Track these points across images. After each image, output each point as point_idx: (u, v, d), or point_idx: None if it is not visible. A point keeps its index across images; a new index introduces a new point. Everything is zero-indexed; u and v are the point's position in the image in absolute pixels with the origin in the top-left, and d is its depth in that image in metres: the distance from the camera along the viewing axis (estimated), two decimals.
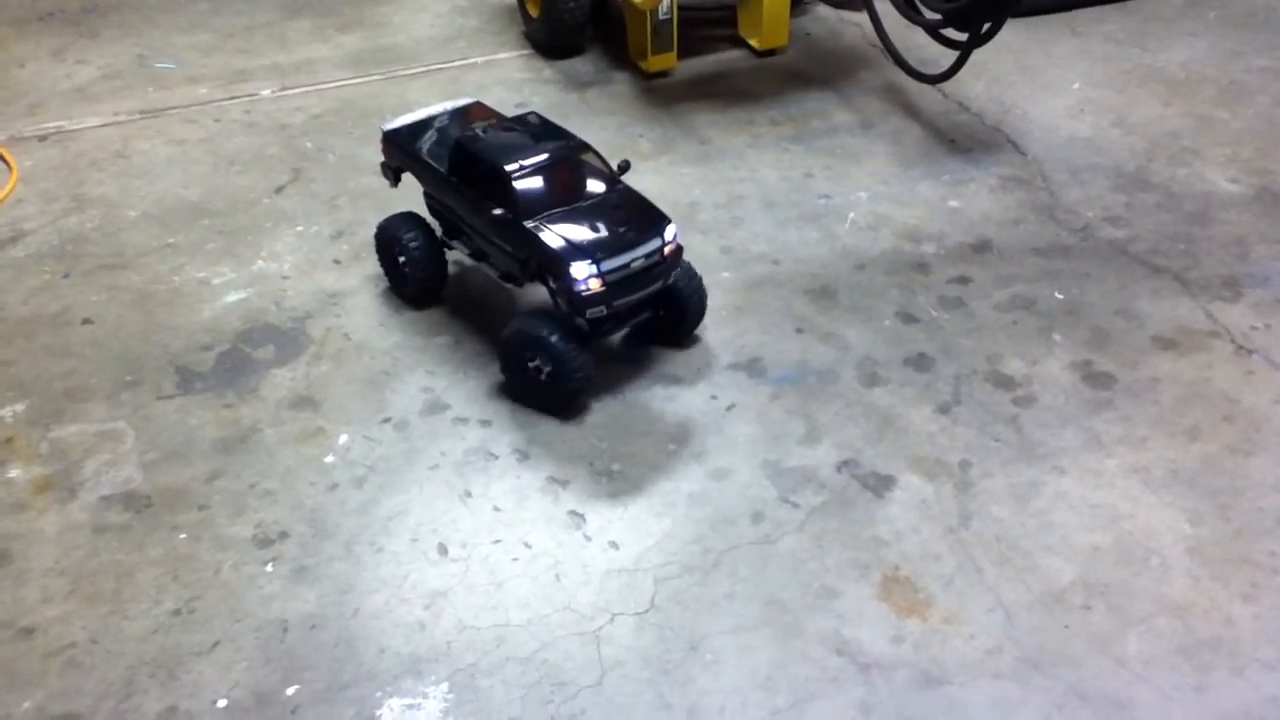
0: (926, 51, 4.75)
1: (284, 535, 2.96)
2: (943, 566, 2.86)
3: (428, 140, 3.65)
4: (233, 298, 3.82)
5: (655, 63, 5.06)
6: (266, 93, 5.08)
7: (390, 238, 3.68)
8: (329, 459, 3.19)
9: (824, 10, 5.70)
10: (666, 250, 3.25)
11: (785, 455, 3.20)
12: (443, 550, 2.91)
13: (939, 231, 4.08)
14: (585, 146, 3.45)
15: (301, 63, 5.34)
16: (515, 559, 2.89)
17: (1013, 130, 4.65)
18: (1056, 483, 3.08)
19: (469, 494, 3.08)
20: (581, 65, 5.27)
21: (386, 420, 3.32)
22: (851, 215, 4.19)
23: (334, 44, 5.53)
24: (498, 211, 3.23)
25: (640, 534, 2.96)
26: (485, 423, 3.31)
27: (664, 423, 3.30)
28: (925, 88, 4.84)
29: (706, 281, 3.61)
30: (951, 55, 4.46)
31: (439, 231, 3.67)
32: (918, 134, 4.68)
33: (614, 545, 2.93)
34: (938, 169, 4.43)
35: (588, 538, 2.95)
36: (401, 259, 3.67)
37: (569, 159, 3.37)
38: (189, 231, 4.16)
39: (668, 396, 3.39)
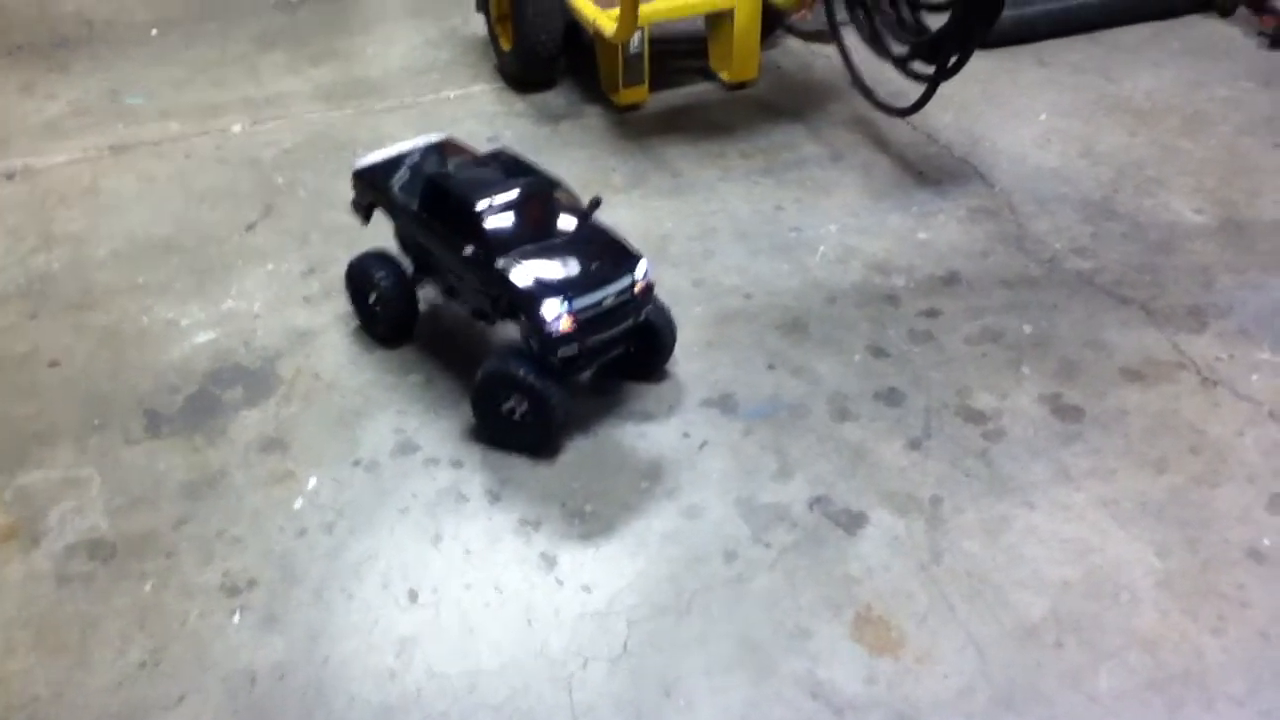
0: (896, 84, 4.79)
1: (252, 583, 2.93)
2: (915, 604, 2.86)
3: (399, 178, 3.64)
4: (202, 338, 3.79)
5: (627, 96, 5.09)
6: (238, 127, 5.07)
7: (361, 276, 3.67)
8: (298, 503, 3.17)
9: (794, 43, 5.75)
10: (638, 288, 3.25)
11: (758, 492, 3.20)
12: (413, 596, 2.89)
13: (908, 264, 4.10)
14: (555, 183, 3.46)
15: (274, 96, 5.34)
16: (487, 603, 2.87)
17: (980, 161, 4.69)
18: (1027, 516, 3.09)
19: (440, 537, 3.06)
20: (553, 98, 5.29)
21: (357, 462, 3.30)
22: (822, 248, 4.21)
23: (306, 77, 5.54)
24: (469, 250, 3.23)
25: (613, 575, 2.95)
26: (457, 463, 3.29)
27: (636, 460, 3.30)
28: (895, 119, 4.88)
29: (678, 315, 3.61)
30: (920, 87, 4.50)
31: (410, 269, 3.66)
32: (887, 166, 4.72)
33: (586, 588, 2.91)
34: (907, 201, 4.47)
35: (560, 580, 2.94)
36: (372, 297, 3.65)
37: (539, 196, 3.37)
38: (158, 270, 4.13)
39: (640, 434, 3.39)
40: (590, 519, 3.12)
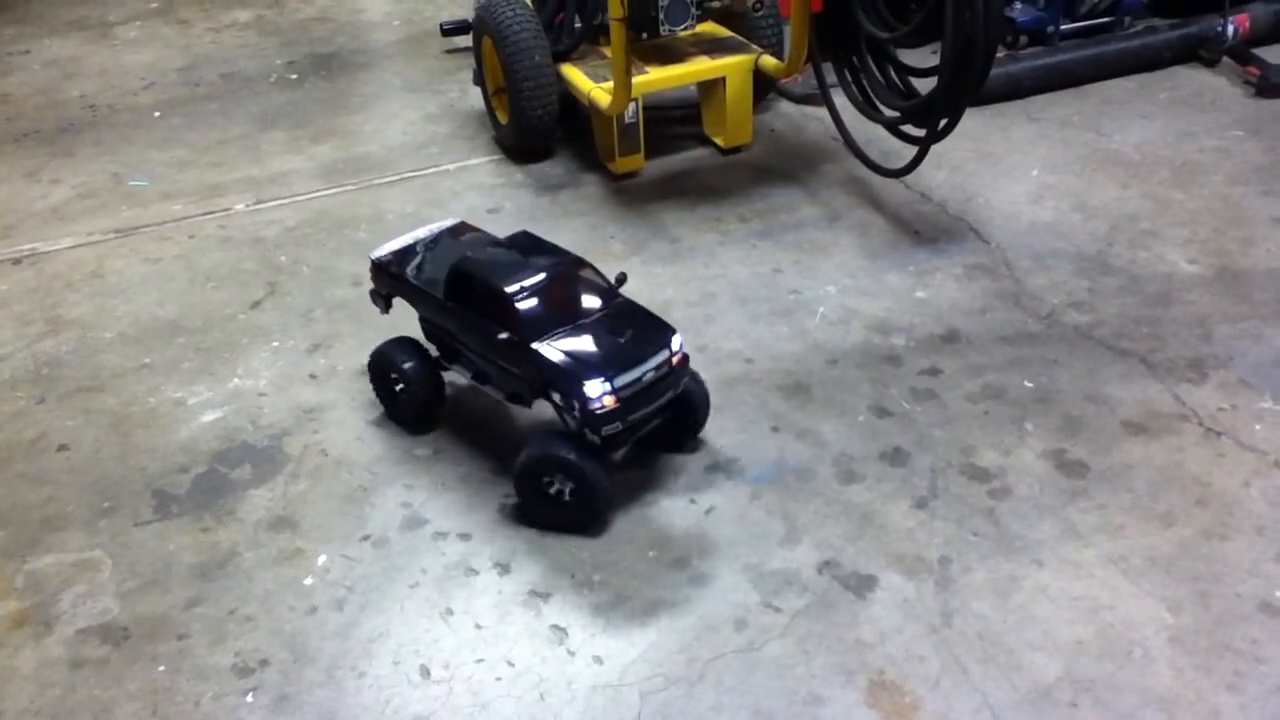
0: (888, 143, 4.87)
1: (264, 663, 2.93)
2: (928, 667, 2.86)
3: (419, 265, 3.65)
4: (209, 417, 3.82)
5: (623, 164, 5.16)
6: (241, 206, 5.15)
7: (386, 365, 3.66)
8: (308, 580, 3.18)
9: (787, 106, 5.84)
10: (674, 360, 3.27)
11: (766, 557, 3.20)
12: (425, 672, 2.89)
13: (908, 323, 4.14)
14: (582, 262, 3.48)
15: (275, 175, 5.42)
16: (499, 678, 2.87)
17: (975, 218, 4.75)
18: (1036, 575, 3.09)
19: (450, 611, 3.06)
20: (551, 168, 5.37)
21: (365, 538, 3.31)
22: (821, 309, 4.25)
23: (307, 155, 5.63)
24: (503, 335, 3.22)
25: (624, 646, 2.95)
26: (465, 536, 3.30)
27: (644, 529, 3.30)
28: (889, 180, 4.94)
29: None
30: (912, 147, 4.57)
31: (434, 354, 3.67)
32: (883, 225, 4.77)
33: (598, 660, 2.91)
34: (904, 260, 4.52)
35: (571, 652, 2.93)
36: (399, 386, 3.65)
37: (567, 275, 3.38)
38: (165, 350, 4.18)
39: (647, 502, 3.40)
40: (600, 589, 3.12)
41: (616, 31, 4.51)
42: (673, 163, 5.38)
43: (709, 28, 5.41)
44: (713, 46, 5.24)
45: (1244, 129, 5.33)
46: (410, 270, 3.62)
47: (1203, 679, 2.77)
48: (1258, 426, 3.53)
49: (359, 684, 2.87)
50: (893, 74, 4.72)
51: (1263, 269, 4.32)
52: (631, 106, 4.96)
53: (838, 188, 5.08)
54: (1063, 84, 5.82)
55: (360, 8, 7.77)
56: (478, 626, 3.01)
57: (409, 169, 5.42)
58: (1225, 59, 5.89)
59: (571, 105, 5.34)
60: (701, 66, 5.08)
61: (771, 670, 2.87)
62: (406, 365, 3.59)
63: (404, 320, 3.82)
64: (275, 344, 4.19)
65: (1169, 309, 4.12)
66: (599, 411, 3.09)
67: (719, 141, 5.41)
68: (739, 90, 5.19)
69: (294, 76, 6.58)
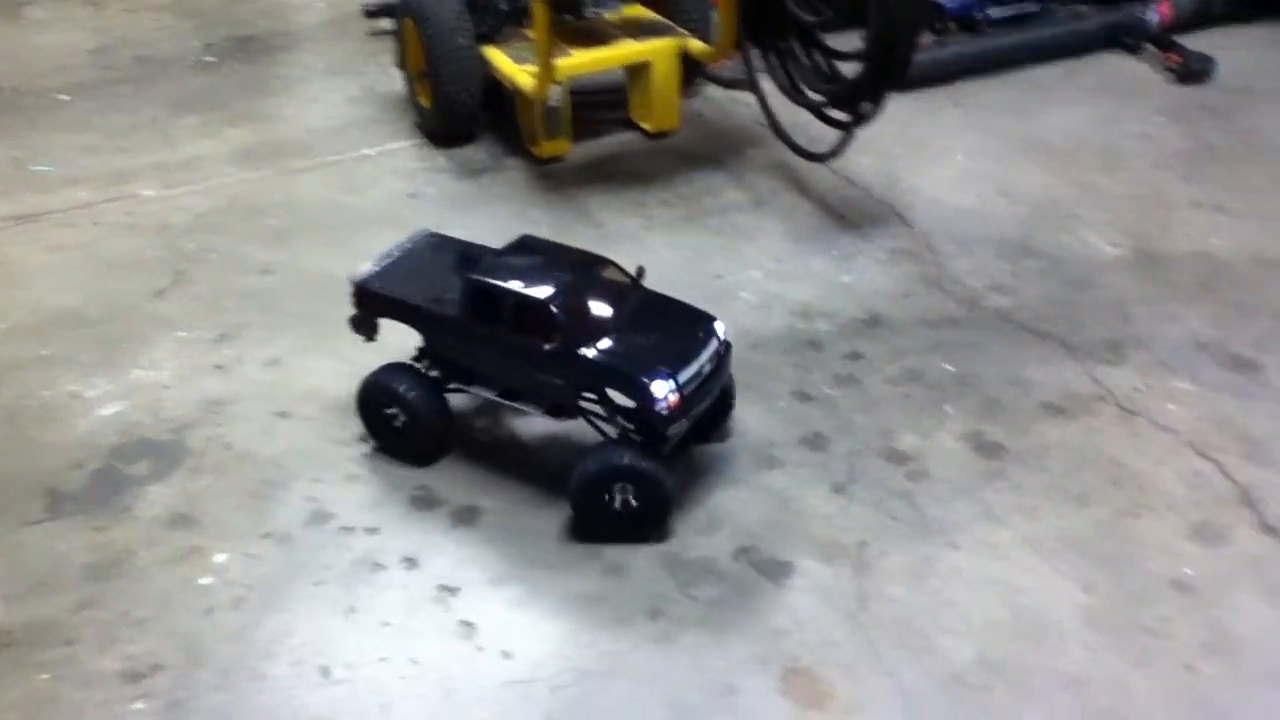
0: (815, 129, 4.82)
1: (156, 667, 2.81)
2: (843, 653, 2.82)
3: (412, 283, 3.37)
4: (108, 410, 3.67)
5: (548, 148, 5.07)
6: (149, 193, 4.97)
7: (381, 396, 3.34)
8: (206, 580, 3.06)
9: (714, 91, 5.78)
10: (723, 350, 3.19)
11: (684, 546, 3.14)
12: (325, 673, 2.79)
13: (831, 307, 4.10)
14: (602, 259, 3.32)
15: (187, 160, 5.25)
16: (403, 677, 2.78)
17: (900, 203, 4.72)
18: (951, 558, 3.07)
19: (354, 609, 2.96)
20: (475, 153, 5.26)
21: (267, 535, 3.20)
22: (744, 294, 4.20)
23: (222, 139, 5.45)
24: (549, 347, 3.04)
25: (535, 640, 2.87)
26: (372, 530, 3.20)
27: (559, 520, 3.22)
28: (816, 164, 4.90)
29: None
30: (838, 132, 4.53)
31: (432, 376, 3.40)
32: (808, 210, 4.73)
33: (507, 655, 2.83)
34: (828, 244, 4.48)
35: (480, 648, 2.85)
36: (399, 418, 3.33)
37: (594, 276, 3.23)
38: (63, 342, 4.01)
39: (558, 492, 3.32)
40: (511, 582, 3.04)
41: (539, 13, 4.42)
42: (598, 147, 5.29)
43: (636, 11, 5.33)
44: (639, 30, 5.16)
45: (1166, 115, 5.37)
46: (405, 290, 3.33)
47: (1114, 658, 2.77)
48: (1172, 406, 3.54)
49: (256, 687, 2.76)
50: (819, 58, 4.67)
51: (1182, 252, 4.34)
52: (556, 90, 4.86)
53: (764, 172, 5.03)
54: (989, 70, 5.82)
55: None
56: (383, 624, 2.92)
57: (328, 154, 5.27)
58: (1148, 46, 5.93)
59: (496, 89, 5.22)
60: (627, 50, 5.00)
61: (686, 660, 2.81)
62: (409, 394, 3.28)
63: (334, 333, 3.70)
64: (180, 334, 4.05)
65: (1089, 292, 4.12)
66: (665, 412, 2.96)
67: (645, 126, 5.33)
68: (665, 74, 5.12)
69: (212, 59, 6.38)
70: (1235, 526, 3.10)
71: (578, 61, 4.84)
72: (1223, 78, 5.62)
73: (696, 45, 4.98)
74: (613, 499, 3.06)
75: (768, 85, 4.95)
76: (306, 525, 3.23)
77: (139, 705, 2.71)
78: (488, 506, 3.27)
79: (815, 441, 3.48)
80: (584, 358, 3.02)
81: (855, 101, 4.30)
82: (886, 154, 5.10)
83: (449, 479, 3.36)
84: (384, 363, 3.40)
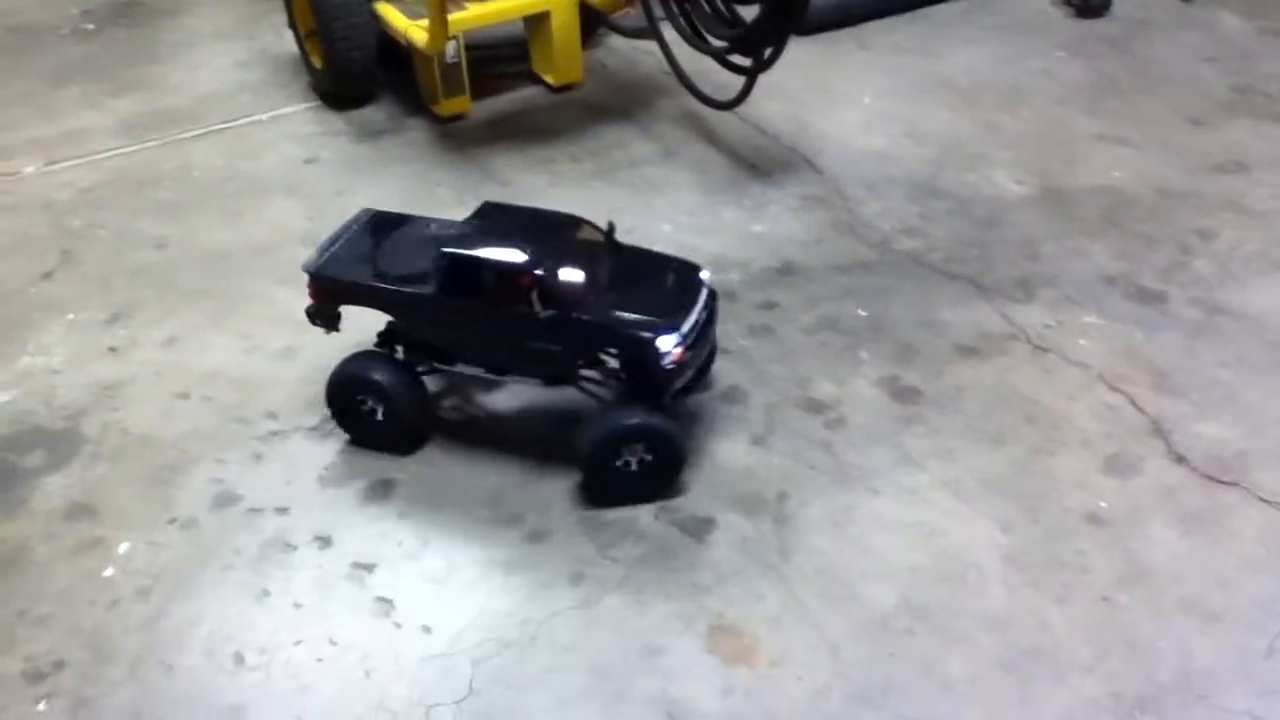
0: (721, 76, 4.73)
1: (59, 665, 2.69)
2: (767, 606, 2.80)
3: (373, 266, 3.17)
4: None
5: (448, 106, 4.92)
6: (29, 169, 4.72)
7: (354, 386, 3.14)
8: (109, 572, 2.93)
9: (618, 41, 5.66)
10: (710, 297, 3.15)
11: (603, 508, 3.09)
12: (239, 659, 2.70)
13: (744, 258, 4.06)
14: (576, 219, 3.20)
15: (69, 133, 4.99)
16: (320, 659, 2.70)
17: (809, 149, 4.69)
18: (871, 504, 3.07)
19: (267, 592, 2.86)
20: (373, 114, 5.09)
21: (172, 521, 3.08)
22: (657, 249, 4.12)
23: (106, 110, 5.20)
24: (546, 314, 2.90)
25: (455, 613, 2.81)
26: (281, 510, 3.10)
27: (474, 488, 3.15)
28: (724, 113, 4.83)
29: None
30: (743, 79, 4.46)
31: (401, 359, 3.22)
32: (719, 160, 4.67)
33: (427, 629, 2.76)
34: (739, 194, 4.43)
35: (398, 625, 2.78)
36: (376, 408, 3.13)
37: (573, 237, 3.11)
38: None
39: (476, 459, 3.25)
40: (428, 555, 2.97)
41: None
42: (502, 103, 5.15)
43: None
44: None
45: (1066, 50, 5.40)
46: (366, 274, 3.14)
47: (1033, 595, 2.79)
48: (1082, 341, 3.57)
49: (167, 678, 2.66)
50: (720, 4, 4.58)
51: (1085, 186, 4.37)
52: (452, 45, 4.71)
53: (672, 123, 4.95)
54: (892, 10, 5.78)
55: None
56: (297, 605, 2.83)
57: (218, 120, 5.06)
58: None
59: (393, 47, 5.04)
60: (523, 1, 4.85)
61: (609, 624, 2.77)
62: (385, 381, 3.10)
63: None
64: (70, 317, 3.86)
65: (997, 230, 4.14)
66: (673, 366, 2.92)
67: (549, 79, 5.20)
68: (565, 25, 4.99)
69: (91, 26, 6.07)
70: (1147, 458, 3.15)
71: (472, 14, 4.69)
72: (1120, 11, 5.67)
73: None
74: (625, 460, 2.99)
75: (671, 34, 4.84)
76: (212, 509, 3.11)
77: (42, 706, 2.60)
78: (402, 479, 3.18)
79: (732, 395, 3.45)
80: (583, 322, 2.93)
81: (757, 46, 4.22)
82: (795, 100, 5.05)
83: (360, 453, 3.26)
84: (351, 352, 3.19)
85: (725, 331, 3.68)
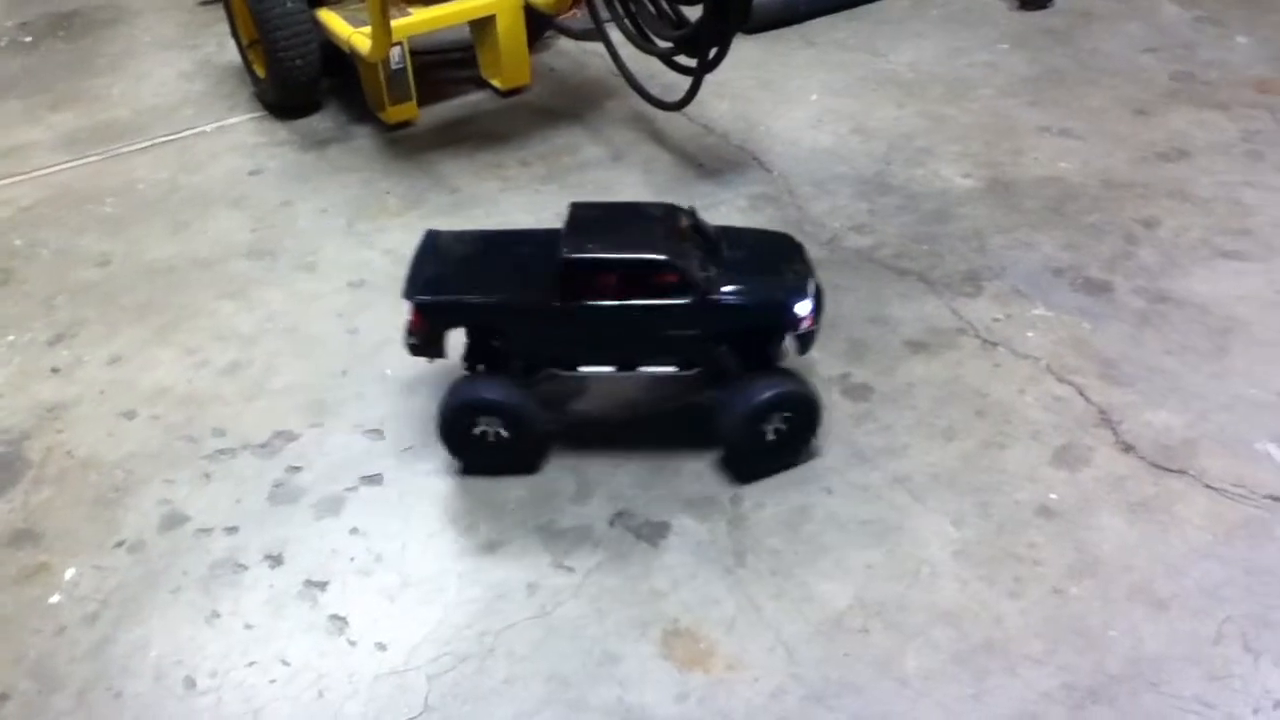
0: (669, 76, 4.73)
1: (3, 697, 2.64)
2: (722, 610, 2.80)
3: (474, 284, 3.08)
4: None
5: (395, 113, 4.88)
6: None
7: (475, 412, 3.03)
8: (54, 599, 2.88)
9: (566, 43, 5.65)
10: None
11: (557, 516, 3.08)
12: (190, 683, 2.66)
13: None
14: (671, 206, 3.21)
15: (8, 150, 4.91)
16: (272, 680, 2.66)
17: (758, 147, 4.69)
18: (826, 504, 3.07)
19: (216, 614, 2.83)
20: (319, 122, 5.04)
21: (120, 544, 3.03)
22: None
23: (46, 125, 5.12)
24: (683, 302, 2.93)
25: (409, 628, 2.78)
26: (231, 529, 3.06)
27: (426, 501, 3.13)
28: (673, 113, 4.82)
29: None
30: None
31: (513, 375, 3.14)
32: (667, 161, 4.67)
33: (381, 646, 2.74)
34: (689, 194, 4.42)
35: (352, 643, 2.75)
36: (498, 432, 3.05)
37: (678, 224, 3.11)
38: None
39: (429, 471, 3.22)
40: (382, 570, 2.94)
41: None
42: (449, 109, 5.13)
43: None
44: None
45: (1010, 42, 5.45)
46: (473, 293, 3.06)
47: (986, 589, 2.81)
48: (1030, 334, 3.60)
49: (116, 705, 2.62)
50: (664, 5, 4.57)
51: (1031, 178, 4.41)
52: (397, 51, 4.68)
53: (621, 125, 4.94)
54: (838, 6, 5.82)
55: None
56: (248, 626, 2.79)
57: (161, 133, 4.99)
58: None
59: (338, 54, 5.00)
60: (467, 5, 4.83)
61: (565, 633, 2.76)
62: (511, 402, 3.01)
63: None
64: (11, 338, 3.79)
65: (945, 225, 4.16)
66: (808, 330, 3.06)
67: (496, 84, 5.18)
68: (511, 29, 4.97)
69: (28, 39, 5.98)
70: (1095, 448, 3.18)
71: (416, 20, 4.66)
72: (1063, 2, 5.73)
73: None
74: (766, 430, 3.05)
75: (617, 35, 4.84)
76: (160, 530, 3.07)
77: None
78: (353, 495, 3.15)
79: (684, 397, 3.44)
80: (723, 303, 2.99)
81: (702, 46, 4.23)
82: (743, 98, 5.06)
83: (311, 469, 3.23)
84: (456, 380, 3.10)
85: None
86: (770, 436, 3.05)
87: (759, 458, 3.11)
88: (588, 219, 3.10)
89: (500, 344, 3.12)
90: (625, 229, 3.04)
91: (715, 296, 2.98)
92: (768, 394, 3.00)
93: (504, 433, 3.07)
